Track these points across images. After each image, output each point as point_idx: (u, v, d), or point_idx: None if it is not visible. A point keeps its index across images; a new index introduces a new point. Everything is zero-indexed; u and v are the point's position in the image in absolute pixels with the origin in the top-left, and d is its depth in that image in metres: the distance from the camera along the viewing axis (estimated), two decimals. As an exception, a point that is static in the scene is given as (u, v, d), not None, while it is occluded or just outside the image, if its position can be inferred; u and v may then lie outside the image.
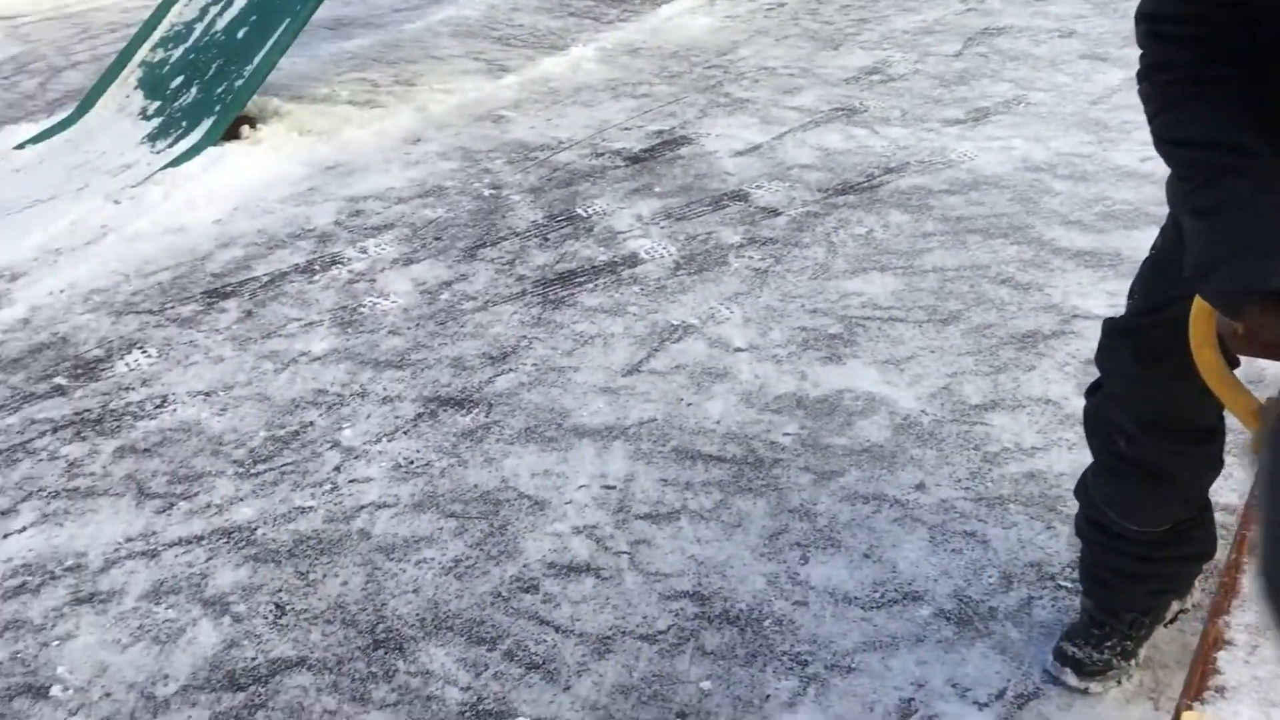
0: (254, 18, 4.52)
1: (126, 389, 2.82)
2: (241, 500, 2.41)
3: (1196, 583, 1.95)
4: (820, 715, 1.86)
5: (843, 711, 1.86)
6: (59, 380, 2.87)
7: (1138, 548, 1.78)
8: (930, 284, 3.16)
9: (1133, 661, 1.87)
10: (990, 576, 2.13)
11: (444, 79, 5.01)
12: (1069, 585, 2.08)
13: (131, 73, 4.72)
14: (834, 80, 4.84)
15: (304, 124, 4.41)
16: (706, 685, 1.92)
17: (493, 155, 4.18)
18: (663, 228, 3.56)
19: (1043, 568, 2.14)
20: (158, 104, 4.50)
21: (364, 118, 4.52)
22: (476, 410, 2.68)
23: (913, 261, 3.29)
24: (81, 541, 2.31)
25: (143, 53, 4.78)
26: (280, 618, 2.09)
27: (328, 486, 2.44)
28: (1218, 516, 1.90)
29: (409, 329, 3.05)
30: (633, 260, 3.37)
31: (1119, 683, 1.87)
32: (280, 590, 2.16)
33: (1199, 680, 1.29)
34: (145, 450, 2.58)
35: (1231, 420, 1.48)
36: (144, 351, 2.98)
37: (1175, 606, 1.92)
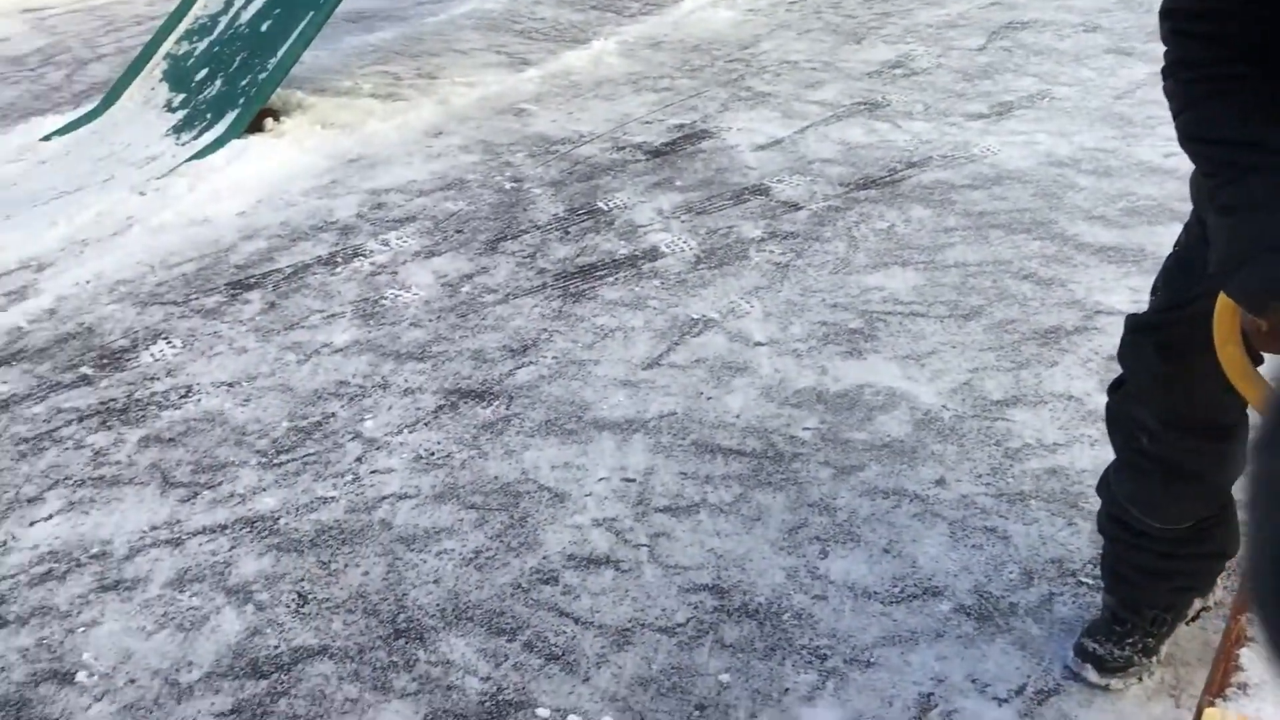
0: (278, 11, 4.55)
1: (151, 379, 2.85)
2: (264, 490, 2.43)
3: (1219, 580, 1.94)
4: (839, 709, 1.86)
5: (861, 706, 1.86)
6: (85, 370, 2.90)
7: (1160, 545, 1.77)
8: (952, 279, 3.16)
9: (1154, 658, 1.87)
10: (1011, 572, 2.12)
11: (466, 72, 5.02)
12: (1090, 582, 2.08)
13: (157, 65, 4.76)
14: (856, 74, 4.82)
15: (327, 117, 4.43)
16: (725, 678, 1.92)
17: (514, 148, 4.19)
18: (683, 221, 3.56)
19: (1064, 564, 2.13)
20: (182, 96, 4.53)
21: (386, 111, 4.53)
22: (497, 402, 2.69)
23: (934, 256, 3.28)
24: (107, 529, 2.33)
25: (168, 45, 4.81)
26: (302, 607, 2.11)
27: (349, 477, 2.46)
28: (1241, 514, 1.89)
29: (430, 321, 3.06)
30: (653, 254, 3.37)
31: (1140, 679, 1.86)
32: (302, 579, 2.18)
33: (1221, 677, 1.29)
34: (170, 440, 2.61)
35: (1255, 417, 1.48)
36: (168, 342, 3.01)
37: (1197, 604, 1.91)
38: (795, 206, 3.64)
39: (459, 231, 3.57)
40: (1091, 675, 1.86)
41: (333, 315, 3.11)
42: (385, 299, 3.18)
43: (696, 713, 1.86)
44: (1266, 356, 1.38)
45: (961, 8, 5.69)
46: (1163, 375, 1.61)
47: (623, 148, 4.15)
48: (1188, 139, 1.31)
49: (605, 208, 3.68)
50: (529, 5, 6.09)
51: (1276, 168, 1.22)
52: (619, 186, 3.83)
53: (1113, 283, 3.09)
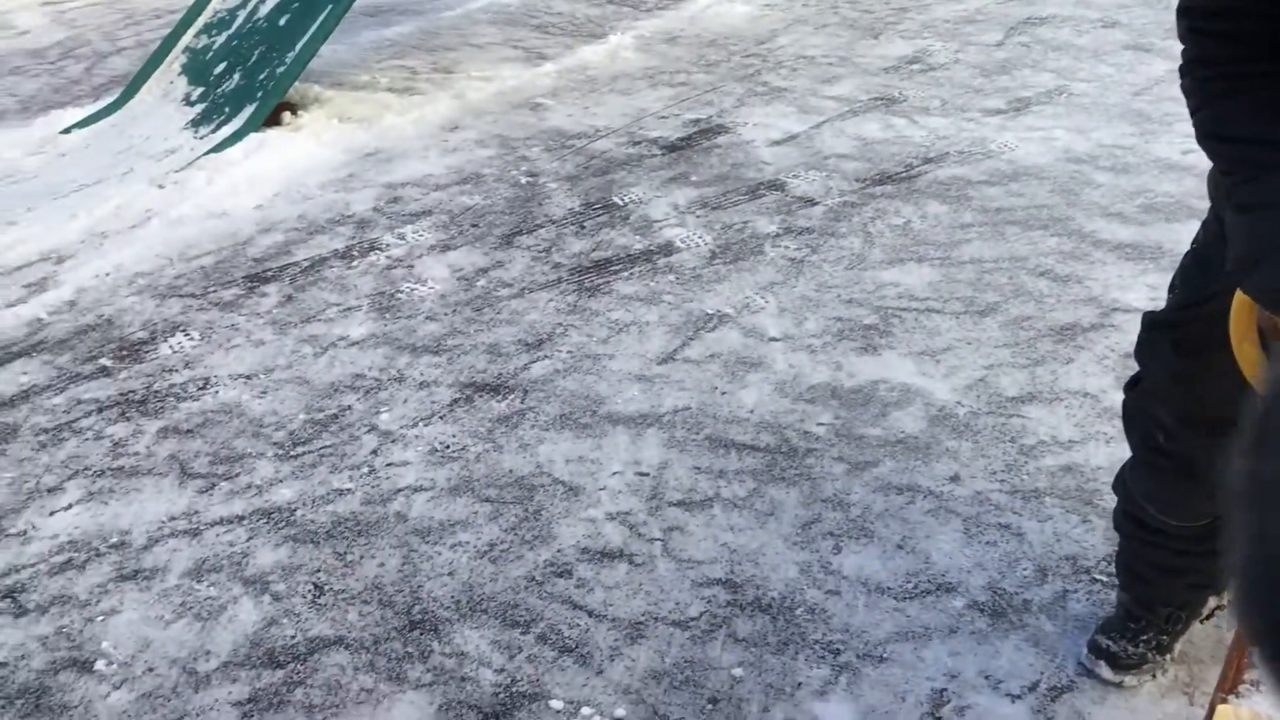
0: (296, 5, 4.57)
1: (170, 371, 2.87)
2: (281, 481, 2.44)
3: (1234, 579, 1.93)
4: (851, 704, 1.86)
5: (874, 701, 1.87)
6: (104, 361, 2.92)
7: (1176, 542, 1.77)
8: (968, 275, 3.15)
9: (1168, 656, 1.87)
10: (1025, 569, 2.12)
11: (482, 67, 5.03)
12: (1104, 579, 2.08)
13: (176, 59, 4.79)
14: (873, 69, 4.81)
15: (344, 111, 4.45)
16: (738, 672, 1.93)
17: (530, 143, 4.19)
18: (699, 216, 3.57)
19: (1078, 561, 2.13)
20: (201, 90, 4.56)
21: (403, 105, 4.55)
22: (512, 396, 2.71)
23: (950, 253, 3.28)
24: (126, 520, 2.36)
25: (187, 39, 4.84)
26: (319, 597, 2.13)
27: (365, 469, 2.47)
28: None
29: (446, 315, 3.07)
30: (668, 249, 3.38)
31: (1153, 677, 1.86)
32: (319, 570, 2.19)
33: (1234, 674, 1.29)
34: (188, 431, 2.63)
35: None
36: (187, 334, 3.03)
37: (1212, 602, 1.91)
38: (811, 202, 3.63)
39: (474, 225, 3.58)
40: (1105, 672, 1.86)
41: (349, 308, 3.12)
42: (401, 292, 3.20)
43: (709, 706, 1.87)
44: None
45: (979, 3, 5.67)
46: (1180, 373, 1.61)
47: (638, 142, 4.15)
48: (1205, 137, 1.31)
49: (620, 202, 3.69)
50: (545, 0, 6.10)
51: (1293, 166, 1.21)
52: (634, 181, 3.84)
53: (1130, 280, 3.07)
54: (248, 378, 2.83)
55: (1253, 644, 0.50)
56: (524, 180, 3.89)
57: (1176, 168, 3.73)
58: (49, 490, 2.45)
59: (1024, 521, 2.24)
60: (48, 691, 1.94)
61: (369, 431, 2.60)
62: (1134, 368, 1.75)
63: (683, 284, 3.17)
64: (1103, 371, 2.69)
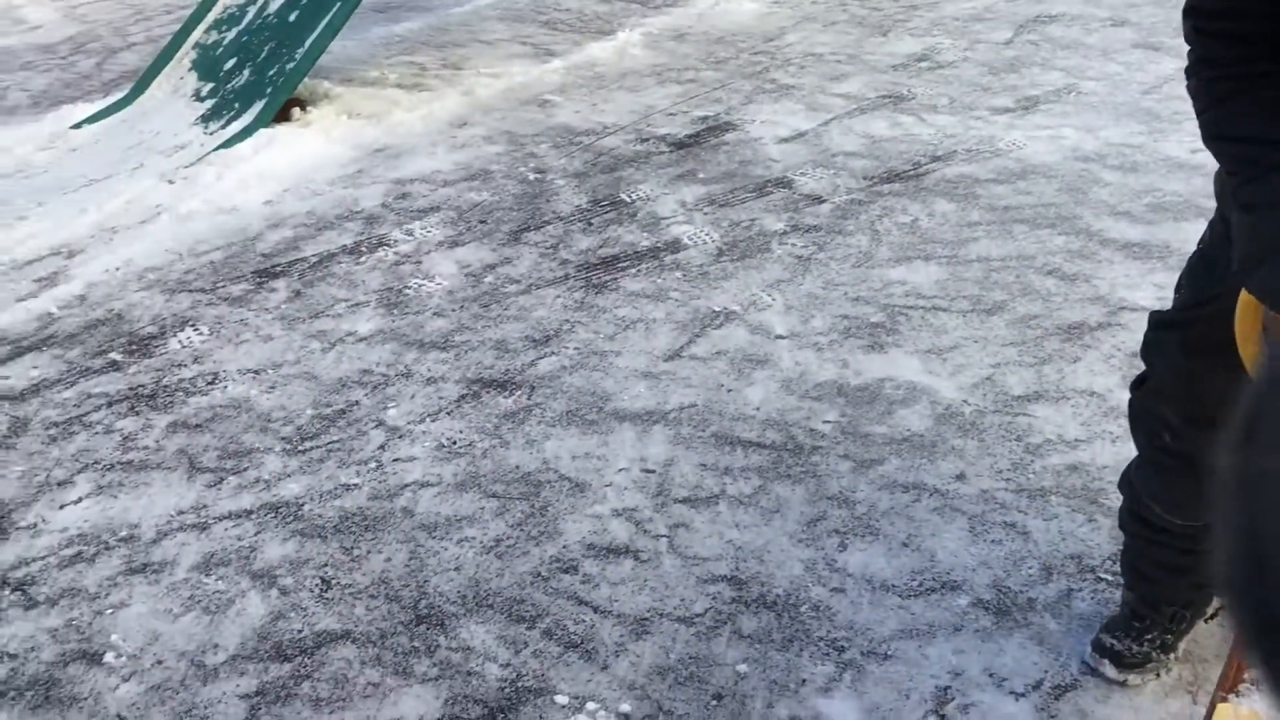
0: (305, 1, 4.58)
1: (179, 365, 2.89)
2: (289, 476, 2.46)
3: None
4: (856, 701, 1.87)
5: (878, 698, 1.87)
6: (114, 356, 2.94)
7: (1181, 541, 1.77)
8: (975, 274, 3.15)
9: (1172, 655, 1.87)
10: (1030, 568, 2.12)
11: (491, 63, 5.04)
12: (1109, 578, 2.08)
13: (186, 54, 4.80)
14: (881, 67, 4.81)
15: (353, 107, 4.46)
16: (743, 668, 1.94)
17: (538, 139, 4.20)
18: (706, 214, 3.57)
19: (1083, 560, 2.14)
20: (211, 86, 4.57)
21: (412, 101, 4.56)
22: (519, 392, 2.71)
23: (958, 251, 3.28)
24: (135, 513, 2.37)
25: (197, 35, 4.86)
26: (326, 592, 2.14)
27: (372, 465, 2.48)
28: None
29: (453, 311, 3.08)
30: (675, 246, 3.38)
31: (1157, 675, 1.86)
32: (326, 565, 2.20)
33: (1234, 673, 1.29)
34: (197, 426, 2.64)
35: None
36: (196, 329, 3.05)
37: (1216, 601, 1.91)
38: (818, 199, 3.64)
39: (482, 222, 3.59)
40: (1109, 671, 1.87)
41: (357, 304, 3.14)
42: (409, 288, 3.21)
43: (714, 702, 1.88)
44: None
45: (988, 1, 5.66)
46: (1186, 372, 1.61)
47: (646, 139, 4.16)
48: (1211, 137, 1.31)
49: (628, 199, 3.70)
50: (554, -4, 6.10)
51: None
52: (642, 178, 3.84)
53: (1137, 279, 3.07)
54: (256, 373, 2.84)
55: (1244, 643, 0.51)
56: (532, 177, 3.90)
57: (1185, 167, 3.72)
58: (59, 484, 2.47)
59: (1029, 520, 2.24)
60: (57, 683, 1.96)
61: (376, 427, 2.61)
62: (1140, 367, 1.75)
63: (690, 281, 3.18)
64: (1109, 370, 2.69)
